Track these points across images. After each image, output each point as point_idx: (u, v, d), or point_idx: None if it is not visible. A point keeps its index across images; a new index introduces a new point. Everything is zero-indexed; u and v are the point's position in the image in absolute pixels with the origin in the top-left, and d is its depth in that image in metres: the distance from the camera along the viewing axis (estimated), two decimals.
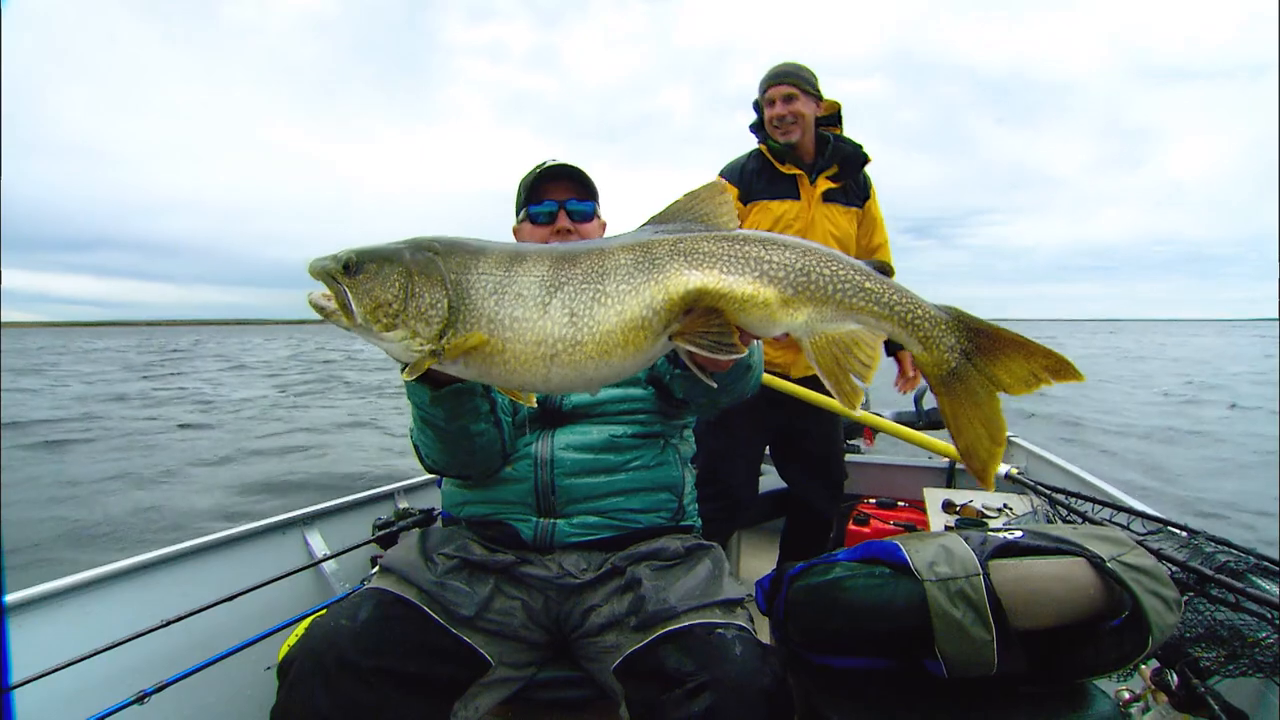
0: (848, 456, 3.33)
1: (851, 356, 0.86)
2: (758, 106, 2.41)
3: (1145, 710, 1.34)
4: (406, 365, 0.90)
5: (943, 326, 0.87)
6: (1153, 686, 1.32)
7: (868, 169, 2.44)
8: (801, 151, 2.33)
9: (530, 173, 1.43)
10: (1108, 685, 1.30)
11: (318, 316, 0.87)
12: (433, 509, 2.19)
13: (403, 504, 2.41)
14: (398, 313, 0.84)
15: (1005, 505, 2.25)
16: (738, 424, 2.31)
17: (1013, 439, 3.71)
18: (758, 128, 2.42)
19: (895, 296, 0.87)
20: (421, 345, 0.85)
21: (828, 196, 2.36)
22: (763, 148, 2.38)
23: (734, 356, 0.85)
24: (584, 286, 0.85)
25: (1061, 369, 0.84)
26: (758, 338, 0.91)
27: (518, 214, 1.47)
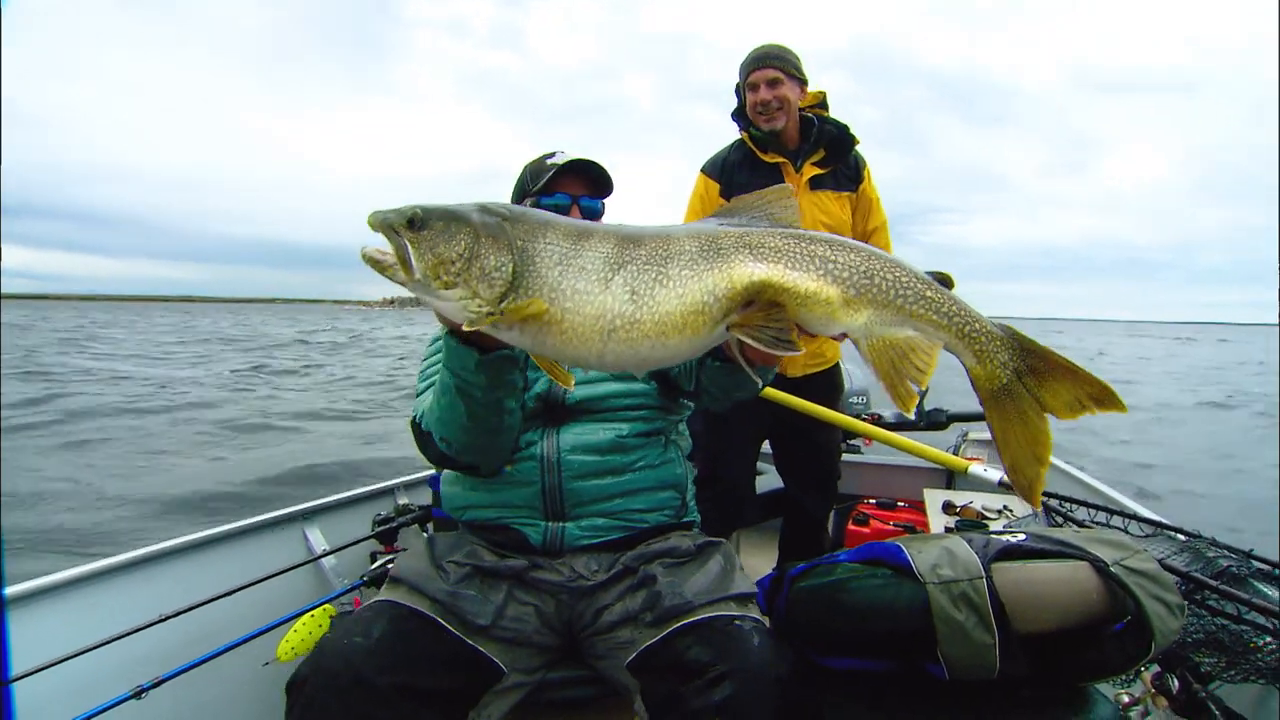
0: (848, 456, 3.32)
1: (908, 361, 0.87)
2: (739, 91, 2.29)
3: (1145, 714, 1.34)
4: (449, 327, 0.90)
5: (999, 342, 0.88)
6: (1153, 691, 1.32)
7: (860, 150, 2.33)
8: (785, 138, 2.23)
9: (539, 160, 1.42)
10: (1108, 689, 1.30)
11: (373, 271, 0.86)
12: (431, 506, 2.19)
13: (402, 500, 2.40)
14: (460, 271, 0.83)
15: (1006, 507, 2.25)
16: (734, 423, 2.28)
17: None
18: (739, 114, 2.30)
19: (955, 307, 0.88)
20: (480, 307, 0.84)
21: (816, 183, 2.25)
22: (745, 136, 2.28)
23: (791, 353, 0.85)
24: (647, 267, 0.85)
25: (1105, 398, 0.84)
26: (814, 336, 0.91)
27: (519, 201, 1.44)
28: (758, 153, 2.26)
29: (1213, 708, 1.19)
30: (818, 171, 2.27)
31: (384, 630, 1.08)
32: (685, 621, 1.10)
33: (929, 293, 0.87)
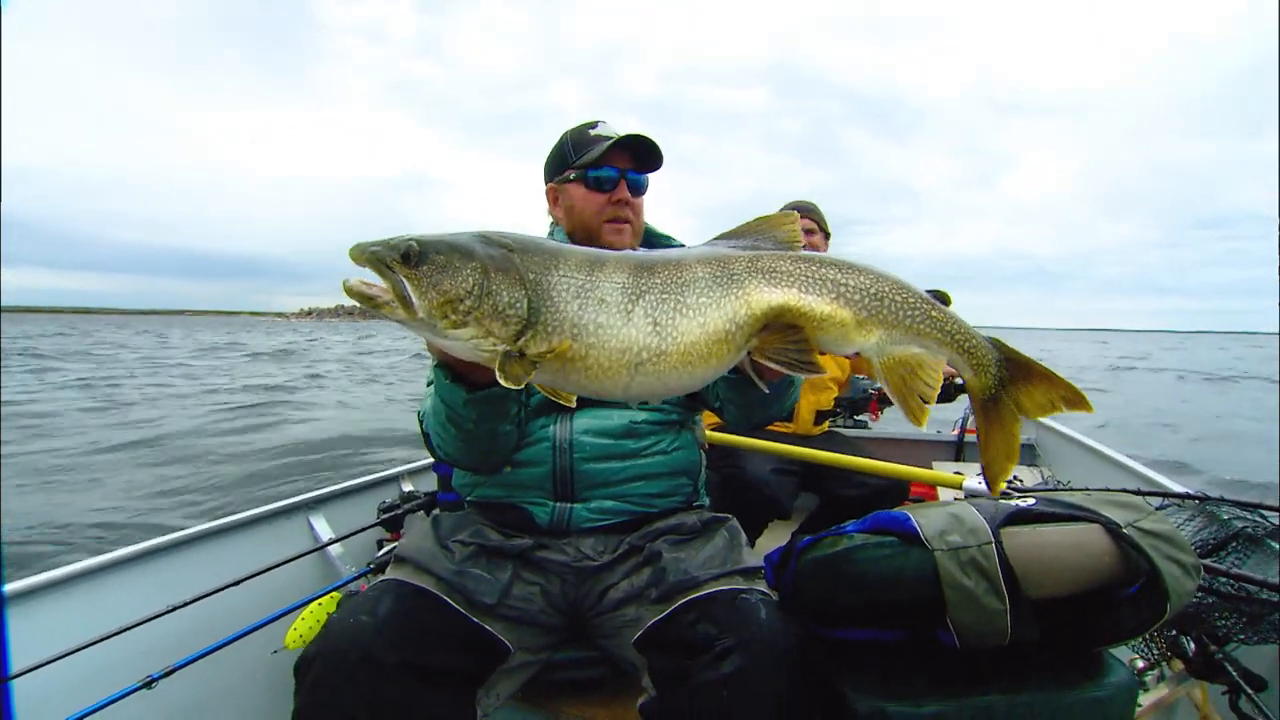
0: (855, 431, 3.30)
1: (917, 377, 0.92)
2: None
3: (1161, 678, 1.33)
4: (438, 359, 0.89)
5: (991, 355, 0.95)
6: (1169, 653, 1.30)
7: None
8: None
9: (580, 129, 1.38)
10: (1122, 653, 1.28)
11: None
12: (436, 492, 2.18)
13: (407, 486, 2.40)
14: (470, 310, 0.79)
15: (1015, 476, 2.23)
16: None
17: None
18: None
19: (956, 325, 0.94)
20: (494, 345, 0.81)
21: None
22: None
23: (814, 373, 0.88)
24: (665, 296, 0.85)
25: (1075, 399, 0.93)
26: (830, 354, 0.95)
27: (555, 172, 1.41)
28: None
29: (1230, 669, 1.17)
30: None
31: (391, 608, 1.07)
32: (691, 596, 1.09)
33: (933, 312, 0.93)
